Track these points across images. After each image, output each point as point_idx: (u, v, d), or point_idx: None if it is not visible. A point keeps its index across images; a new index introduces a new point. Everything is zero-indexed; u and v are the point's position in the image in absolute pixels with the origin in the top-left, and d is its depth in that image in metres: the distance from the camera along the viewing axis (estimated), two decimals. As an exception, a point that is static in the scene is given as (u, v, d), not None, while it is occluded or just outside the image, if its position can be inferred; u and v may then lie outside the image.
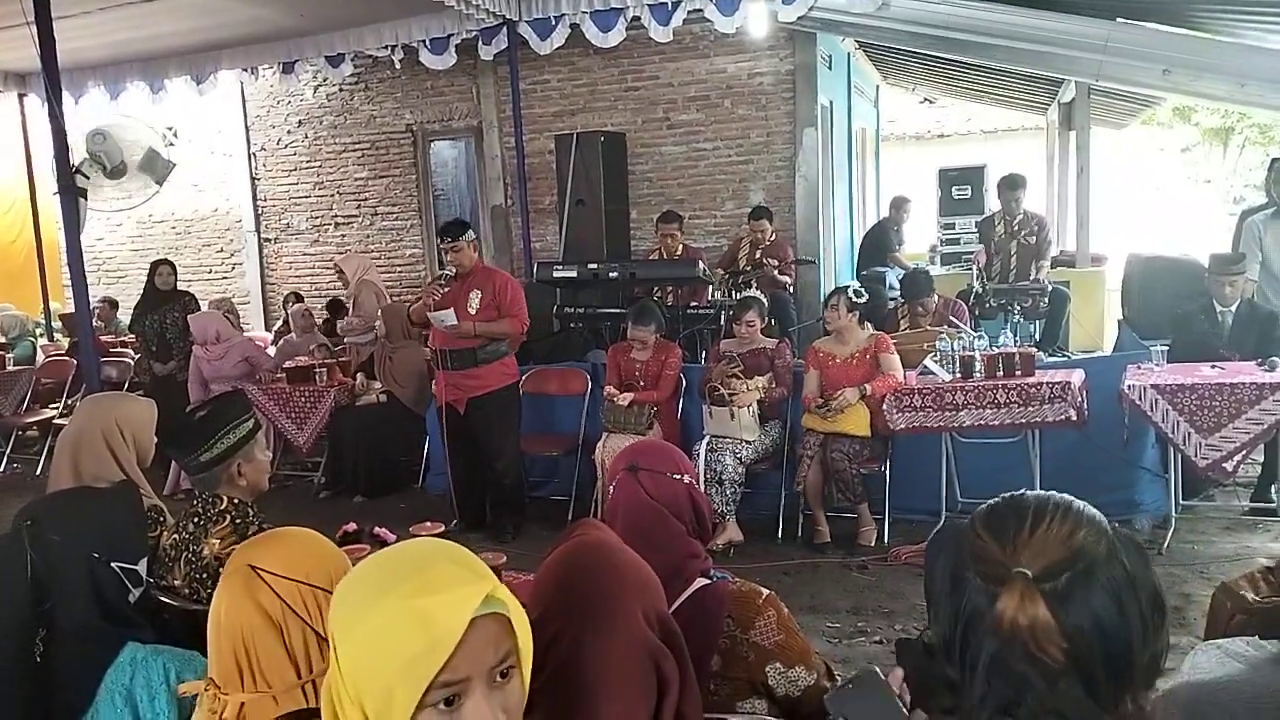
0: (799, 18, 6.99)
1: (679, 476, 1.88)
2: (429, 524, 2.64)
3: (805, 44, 8.25)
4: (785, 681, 1.74)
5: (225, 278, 10.73)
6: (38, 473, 7.47)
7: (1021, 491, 1.15)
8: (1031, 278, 6.77)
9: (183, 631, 1.98)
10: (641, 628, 1.37)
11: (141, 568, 1.73)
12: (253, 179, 10.42)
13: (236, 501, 2.45)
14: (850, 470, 4.92)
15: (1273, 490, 4.97)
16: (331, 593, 1.37)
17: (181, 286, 7.72)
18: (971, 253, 8.80)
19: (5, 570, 1.63)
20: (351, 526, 2.65)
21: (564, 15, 7.45)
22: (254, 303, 10.37)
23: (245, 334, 6.76)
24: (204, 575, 2.34)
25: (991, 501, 1.15)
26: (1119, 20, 6.49)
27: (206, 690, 1.46)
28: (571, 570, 1.43)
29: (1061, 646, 1.00)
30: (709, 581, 1.81)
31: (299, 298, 9.05)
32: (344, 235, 10.23)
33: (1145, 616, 1.03)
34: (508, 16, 7.46)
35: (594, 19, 7.39)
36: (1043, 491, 1.13)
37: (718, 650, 1.74)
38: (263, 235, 10.52)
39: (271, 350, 7.73)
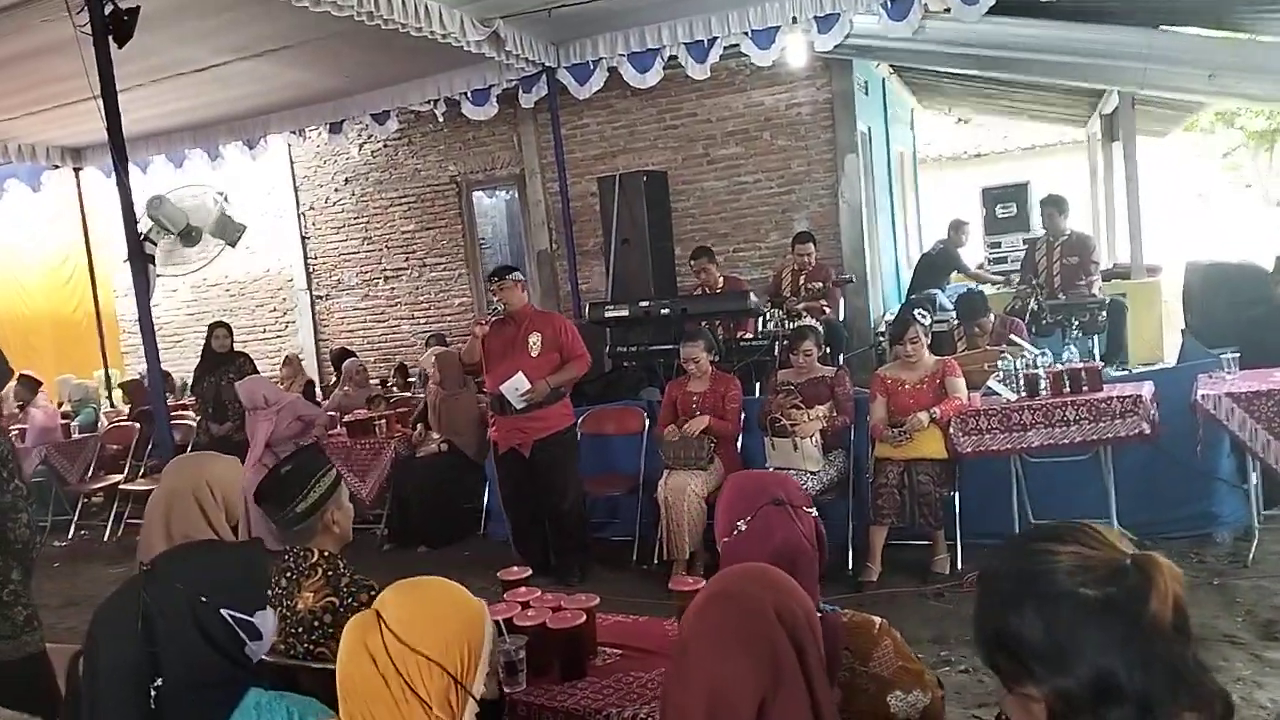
0: (835, 46, 7.01)
1: (811, 510, 1.94)
2: (515, 570, 2.64)
3: (842, 72, 8.30)
4: (906, 706, 1.73)
5: (280, 336, 10.94)
6: (105, 538, 7.60)
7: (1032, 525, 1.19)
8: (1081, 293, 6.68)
9: (280, 687, 2.00)
10: (766, 611, 1.42)
11: (260, 621, 1.73)
12: (303, 238, 10.65)
13: (327, 554, 2.47)
14: (936, 494, 4.84)
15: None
16: (439, 664, 1.44)
17: (238, 348, 7.88)
18: (1018, 271, 8.72)
19: (120, 614, 1.65)
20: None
21: (601, 59, 7.57)
22: (309, 359, 10.54)
23: (294, 394, 6.84)
24: (299, 629, 2.36)
25: (1017, 538, 1.19)
26: (1160, 27, 6.45)
27: None
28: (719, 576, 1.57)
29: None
30: (821, 614, 1.80)
31: (348, 353, 9.17)
32: (393, 288, 10.40)
33: None
34: (546, 64, 7.59)
35: (631, 61, 7.49)
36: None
37: (838, 683, 1.72)
38: (314, 293, 10.73)
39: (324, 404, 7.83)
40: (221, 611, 1.68)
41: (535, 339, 5.21)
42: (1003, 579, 1.10)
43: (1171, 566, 1.01)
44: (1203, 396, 4.51)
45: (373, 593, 2.45)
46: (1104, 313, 6.55)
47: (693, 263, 7.23)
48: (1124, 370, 6.25)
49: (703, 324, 6.54)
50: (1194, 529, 4.88)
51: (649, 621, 2.53)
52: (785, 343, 5.95)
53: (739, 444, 5.55)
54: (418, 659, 1.46)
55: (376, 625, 1.48)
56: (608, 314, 6.56)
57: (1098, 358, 6.37)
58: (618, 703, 2.08)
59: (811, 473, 5.06)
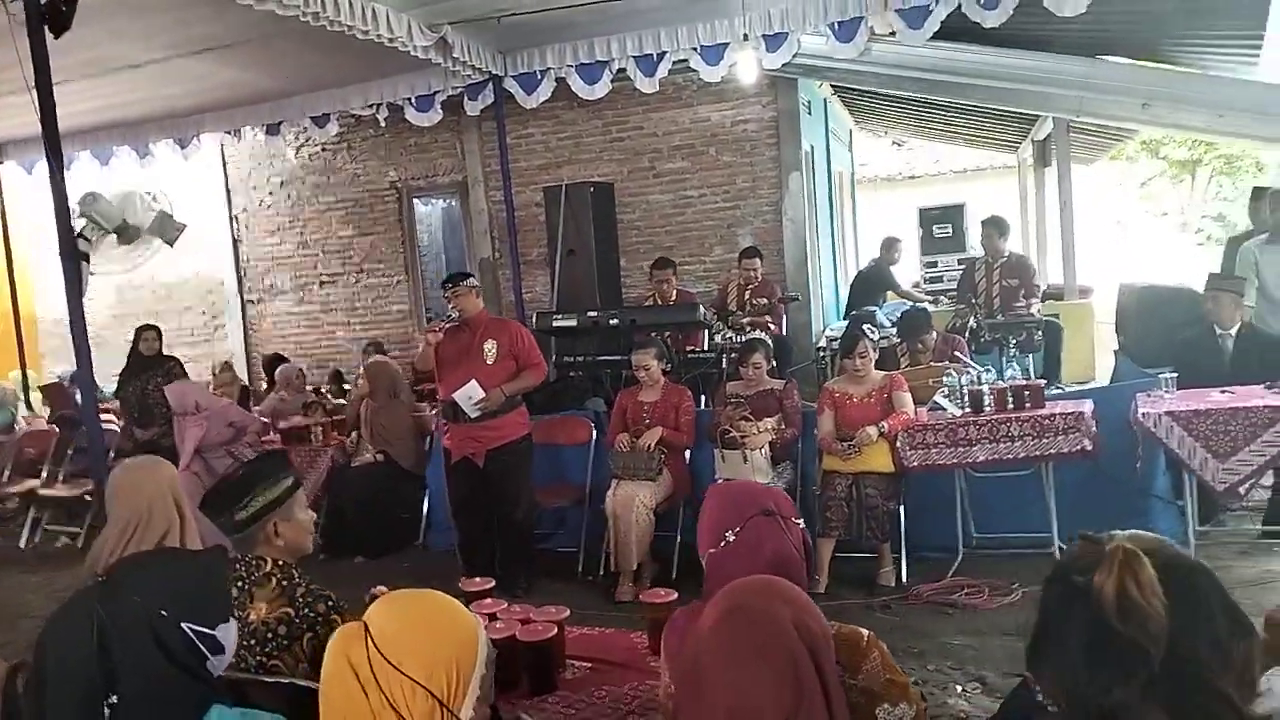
0: (783, 65, 7.09)
1: (799, 521, 1.91)
2: (478, 580, 2.57)
3: (787, 91, 8.39)
4: (892, 719, 1.70)
5: (209, 340, 10.61)
6: (21, 545, 7.26)
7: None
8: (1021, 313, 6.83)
9: (230, 701, 1.89)
10: (785, 625, 1.39)
11: (223, 634, 1.63)
12: (235, 240, 10.36)
13: (281, 563, 2.37)
14: (883, 507, 4.88)
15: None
16: (422, 685, 1.38)
17: (165, 351, 7.62)
18: (953, 291, 8.91)
19: (72, 627, 1.54)
20: (380, 590, 2.58)
21: (549, 69, 7.53)
22: (239, 364, 10.23)
23: (226, 400, 6.62)
24: (251, 641, 2.26)
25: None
26: (1097, 57, 6.65)
27: None
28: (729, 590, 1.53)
29: (1165, 603, 1.07)
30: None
31: (281, 359, 8.93)
32: (329, 294, 10.17)
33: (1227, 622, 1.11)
34: (494, 72, 7.52)
35: (579, 72, 7.47)
36: None
37: None
38: (246, 297, 10.43)
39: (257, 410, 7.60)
40: (182, 625, 1.58)
41: (490, 346, 5.11)
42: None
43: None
44: (1144, 415, 4.63)
45: (330, 603, 2.36)
46: (1040, 332, 6.72)
47: (656, 272, 7.22)
48: (1057, 388, 6.41)
49: (653, 335, 6.53)
50: (1130, 544, 4.99)
51: (616, 634, 2.49)
52: (733, 356, 5.97)
53: (687, 455, 5.53)
54: (402, 680, 1.39)
55: (362, 638, 1.41)
56: (556, 323, 6.51)
57: (1034, 376, 6.52)
58: (591, 717, 2.02)
59: (761, 485, 5.05)
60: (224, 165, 10.24)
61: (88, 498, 6.86)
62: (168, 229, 5.72)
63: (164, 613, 1.57)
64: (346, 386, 8.68)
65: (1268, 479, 4.95)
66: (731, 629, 1.43)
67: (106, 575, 1.58)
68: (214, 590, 1.69)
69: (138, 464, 2.78)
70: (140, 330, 7.37)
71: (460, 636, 1.46)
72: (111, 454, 7.29)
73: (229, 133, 8.76)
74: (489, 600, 2.44)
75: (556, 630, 2.20)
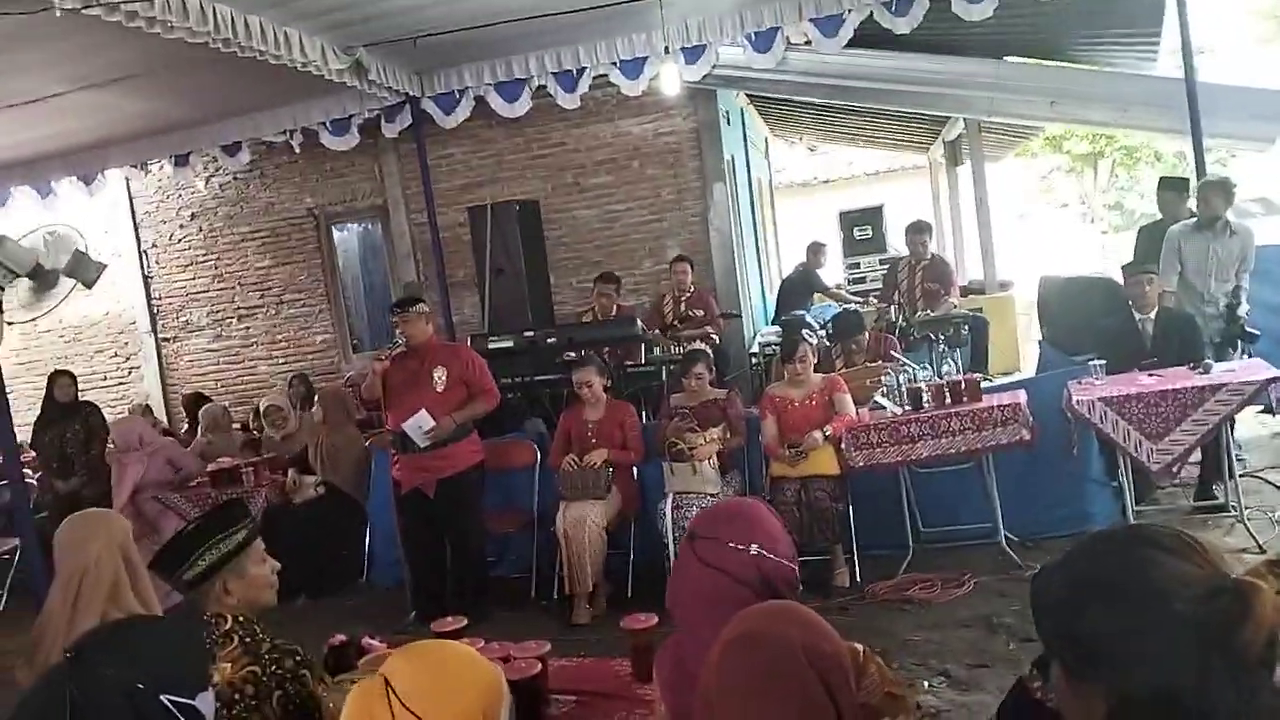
0: (703, 76, 7.13)
1: (741, 547, 1.76)
2: (450, 620, 2.49)
3: (707, 102, 8.46)
4: (890, 732, 1.69)
5: (123, 383, 10.18)
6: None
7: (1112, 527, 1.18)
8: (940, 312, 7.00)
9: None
10: (795, 651, 1.35)
11: (201, 703, 1.54)
12: (145, 278, 9.97)
13: (241, 619, 2.26)
14: (832, 509, 4.92)
15: (1215, 489, 5.17)
16: None
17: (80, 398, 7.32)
18: (876, 291, 9.08)
19: (44, 706, 1.44)
20: (339, 639, 2.49)
21: (468, 89, 7.45)
22: (157, 406, 9.85)
23: (169, 438, 6.38)
24: (218, 705, 2.14)
25: (1123, 534, 1.14)
26: (1005, 59, 6.86)
27: None
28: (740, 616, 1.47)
29: None
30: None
31: (203, 399, 8.62)
32: (248, 327, 9.87)
33: None
34: (411, 93, 7.40)
35: (499, 90, 7.41)
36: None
37: None
38: (160, 335, 10.06)
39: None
40: (161, 698, 1.49)
41: (440, 373, 5.00)
42: (1096, 573, 1.08)
43: (1275, 597, 0.99)
44: (1078, 402, 4.76)
45: (298, 658, 2.26)
46: (967, 327, 6.88)
47: (601, 285, 7.20)
48: (988, 380, 6.56)
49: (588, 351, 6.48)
50: (1071, 529, 5.12)
51: (596, 663, 2.44)
52: (673, 368, 5.96)
53: (635, 471, 5.51)
54: None
55: (385, 695, 1.37)
56: (491, 345, 6.41)
57: (963, 370, 6.68)
58: (585, 751, 1.97)
59: (711, 495, 5.06)
60: (130, 200, 9.85)
61: (7, 556, 6.50)
62: (86, 269, 5.44)
63: (140, 685, 1.48)
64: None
65: (1196, 455, 5.15)
66: (741, 658, 1.40)
67: (76, 650, 1.48)
68: (190, 657, 1.60)
69: (83, 516, 2.65)
70: (54, 376, 7.06)
71: (485, 684, 1.45)
72: (32, 508, 6.96)
73: (135, 166, 8.46)
74: (464, 640, 2.36)
75: (540, 666, 2.14)
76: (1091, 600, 1.05)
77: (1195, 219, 5.71)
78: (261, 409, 7.22)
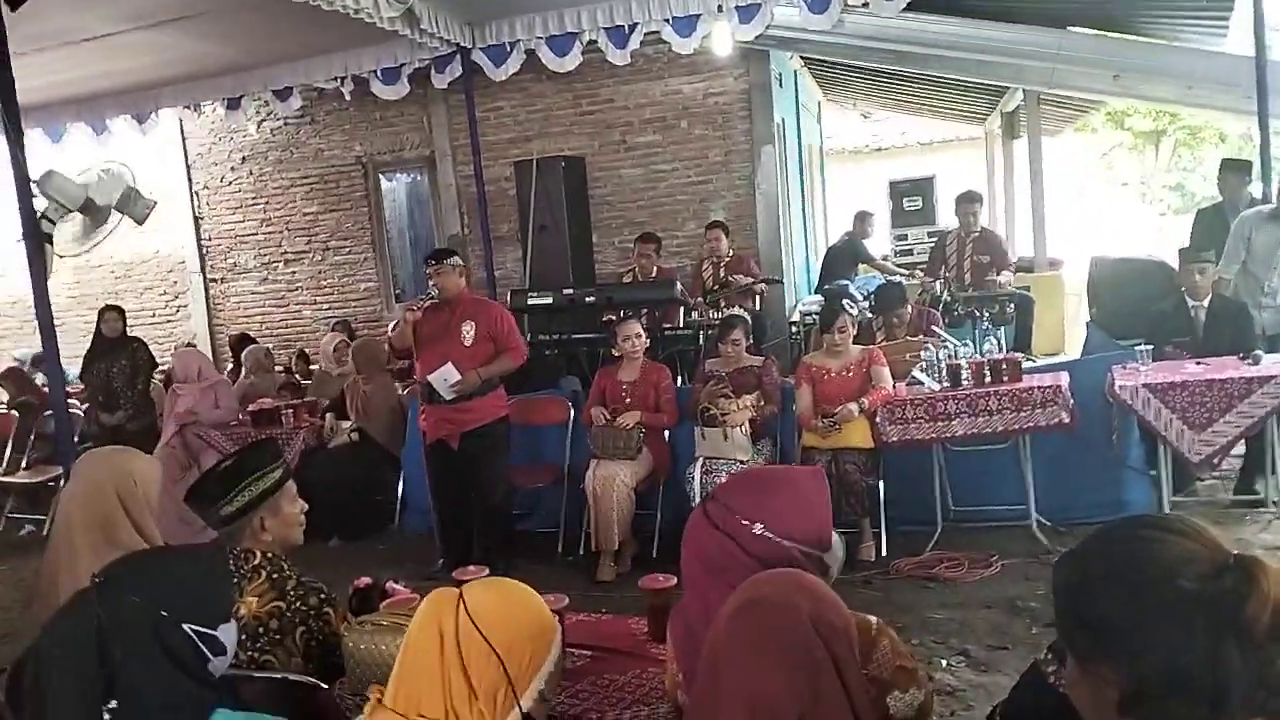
0: (756, 36, 7.01)
1: (746, 523, 1.72)
2: (473, 569, 2.52)
3: (759, 63, 8.32)
4: (904, 706, 1.68)
5: (170, 321, 10.39)
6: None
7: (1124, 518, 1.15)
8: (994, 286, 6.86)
9: (232, 704, 1.85)
10: (801, 619, 1.37)
11: (223, 634, 1.59)
12: (196, 218, 10.13)
13: (270, 555, 2.32)
14: (862, 482, 4.89)
15: (1257, 483, 5.06)
16: (499, 656, 1.45)
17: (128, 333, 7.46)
18: (925, 263, 8.94)
19: (71, 632, 1.49)
20: (364, 582, 2.53)
21: (519, 41, 7.38)
22: (203, 345, 10.05)
23: (224, 376, 6.53)
24: (243, 637, 2.20)
25: (1125, 521, 1.12)
26: (1069, 29, 6.66)
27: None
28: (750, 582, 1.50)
29: None
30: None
31: (248, 339, 8.77)
32: (294, 271, 9.99)
33: None
34: (462, 44, 7.37)
35: (549, 44, 7.33)
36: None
37: None
38: (209, 276, 10.22)
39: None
40: (184, 626, 1.53)
41: (469, 328, 5.02)
42: (1103, 557, 1.08)
43: (1278, 572, 0.98)
44: (1121, 387, 4.67)
45: (322, 595, 2.31)
46: (1012, 305, 6.76)
47: (640, 245, 7.16)
48: (1029, 360, 6.46)
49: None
50: (1105, 516, 5.04)
51: (614, 620, 2.46)
52: (711, 332, 5.94)
53: (667, 434, 5.51)
54: (482, 645, 1.46)
55: (455, 604, 1.50)
56: (531, 301, 6.43)
57: (1006, 349, 6.57)
58: (596, 707, 2.00)
59: (741, 461, 5.05)
60: (183, 141, 9.99)
61: (51, 485, 6.71)
62: (136, 206, 5.52)
63: (165, 613, 1.52)
64: (313, 367, 8.55)
65: (1238, 448, 5.04)
66: (749, 620, 1.42)
67: (104, 575, 1.53)
68: (215, 589, 1.65)
69: (91, 455, 2.73)
70: (103, 311, 7.20)
71: (541, 626, 1.55)
72: (77, 439, 7.15)
73: (188, 107, 8.54)
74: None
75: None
76: (1099, 583, 1.06)
77: (1274, 207, 5.50)
78: (328, 346, 7.27)
